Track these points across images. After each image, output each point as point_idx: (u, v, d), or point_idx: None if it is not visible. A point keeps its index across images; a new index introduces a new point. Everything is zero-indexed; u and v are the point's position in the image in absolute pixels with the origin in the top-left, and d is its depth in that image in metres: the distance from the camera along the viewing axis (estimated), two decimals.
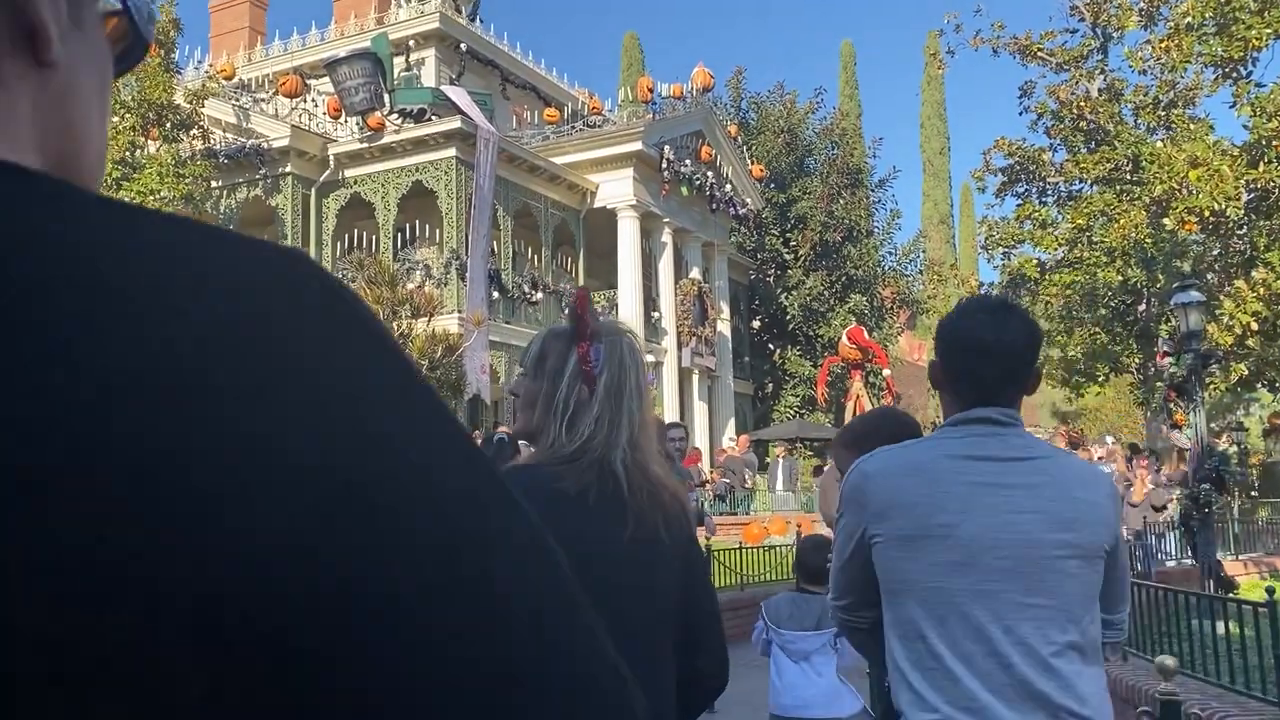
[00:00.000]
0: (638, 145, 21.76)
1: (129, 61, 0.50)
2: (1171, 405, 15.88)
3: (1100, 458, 12.67)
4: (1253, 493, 21.89)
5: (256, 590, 0.32)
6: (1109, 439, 19.62)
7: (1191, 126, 18.11)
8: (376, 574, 0.34)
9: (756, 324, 29.71)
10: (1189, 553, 11.73)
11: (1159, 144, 18.28)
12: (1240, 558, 14.19)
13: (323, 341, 0.36)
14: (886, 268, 30.26)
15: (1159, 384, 19.51)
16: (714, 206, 24.43)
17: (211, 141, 18.68)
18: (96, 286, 0.34)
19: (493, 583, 0.36)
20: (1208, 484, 11.04)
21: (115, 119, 16.23)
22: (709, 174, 23.99)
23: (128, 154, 16.18)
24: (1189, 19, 16.35)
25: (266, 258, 0.38)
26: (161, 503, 0.32)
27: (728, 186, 24.86)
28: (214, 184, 18.75)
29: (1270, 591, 4.36)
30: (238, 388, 0.34)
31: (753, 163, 26.60)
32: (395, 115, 19.68)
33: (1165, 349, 12.74)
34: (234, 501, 0.32)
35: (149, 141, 16.87)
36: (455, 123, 18.98)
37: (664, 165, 22.18)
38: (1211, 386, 16.79)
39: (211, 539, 0.32)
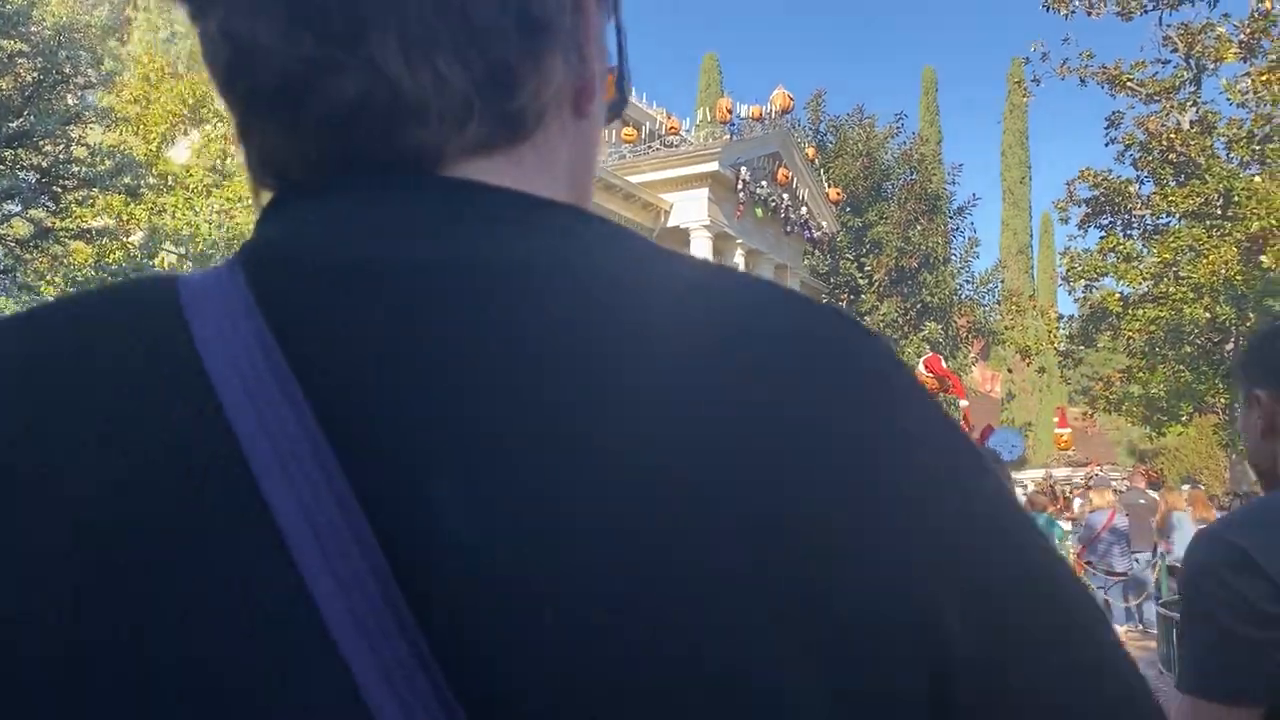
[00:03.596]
0: (714, 166, 21.75)
1: (613, 113, 0.56)
2: None
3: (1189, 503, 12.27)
4: None
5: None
6: (1185, 487, 18.97)
7: None
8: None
9: None
10: None
11: (1256, 179, 17.73)
12: None
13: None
14: (963, 296, 29.79)
15: None
16: (788, 229, 24.29)
17: None
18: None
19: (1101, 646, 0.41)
20: None
21: (209, 127, 16.73)
22: (784, 196, 23.87)
23: (219, 161, 16.66)
24: None
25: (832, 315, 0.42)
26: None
27: (803, 209, 24.71)
28: None
29: None
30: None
31: (829, 186, 26.41)
32: None
33: None
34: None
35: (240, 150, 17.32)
36: None
37: (740, 186, 22.13)
38: None
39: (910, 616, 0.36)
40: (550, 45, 0.44)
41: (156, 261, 15.44)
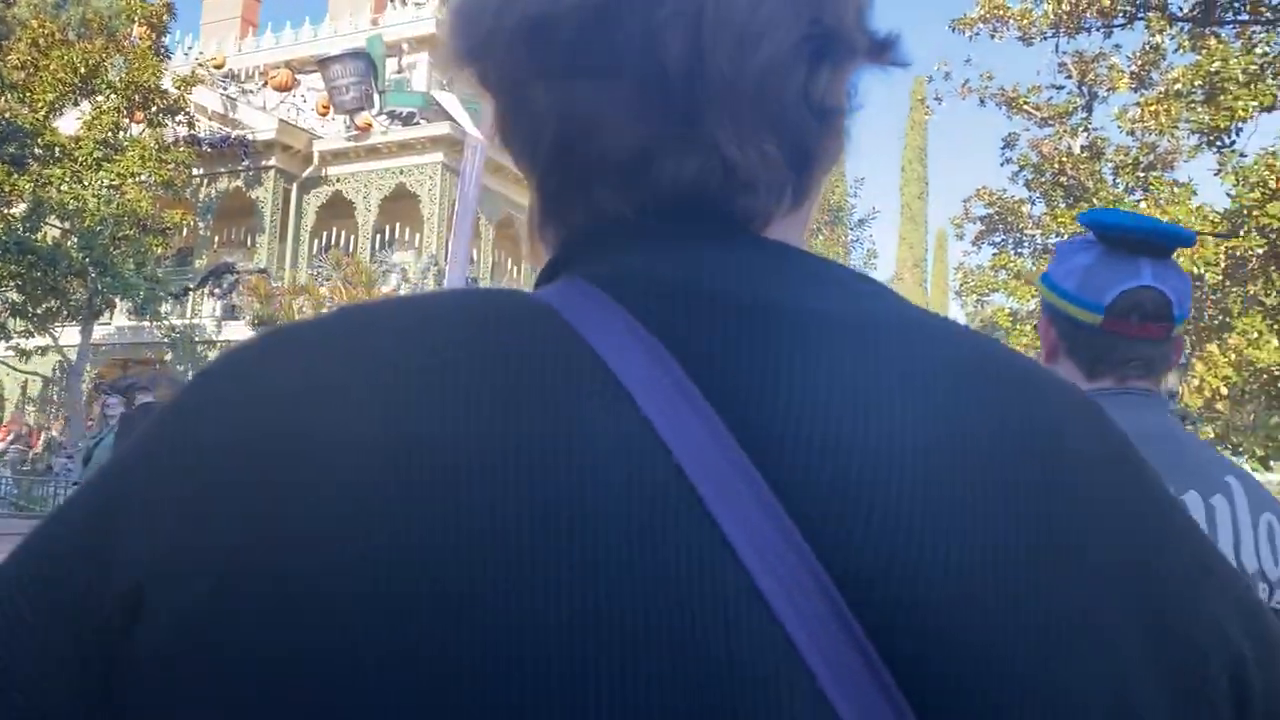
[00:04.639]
0: None
1: None
2: None
3: None
4: None
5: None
6: None
7: (1175, 190, 18.41)
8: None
9: None
10: None
11: (1141, 205, 18.56)
12: None
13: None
14: None
15: None
16: None
17: (196, 129, 18.50)
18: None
19: None
20: None
21: (100, 99, 16.05)
22: None
23: (110, 135, 16.00)
24: (1179, 85, 16.65)
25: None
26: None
27: None
28: (195, 172, 18.55)
29: None
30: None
31: None
32: (384, 117, 19.58)
33: None
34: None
35: (133, 124, 16.68)
36: (444, 128, 18.89)
37: None
38: None
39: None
40: (833, 129, 0.50)
41: (40, 236, 14.75)
